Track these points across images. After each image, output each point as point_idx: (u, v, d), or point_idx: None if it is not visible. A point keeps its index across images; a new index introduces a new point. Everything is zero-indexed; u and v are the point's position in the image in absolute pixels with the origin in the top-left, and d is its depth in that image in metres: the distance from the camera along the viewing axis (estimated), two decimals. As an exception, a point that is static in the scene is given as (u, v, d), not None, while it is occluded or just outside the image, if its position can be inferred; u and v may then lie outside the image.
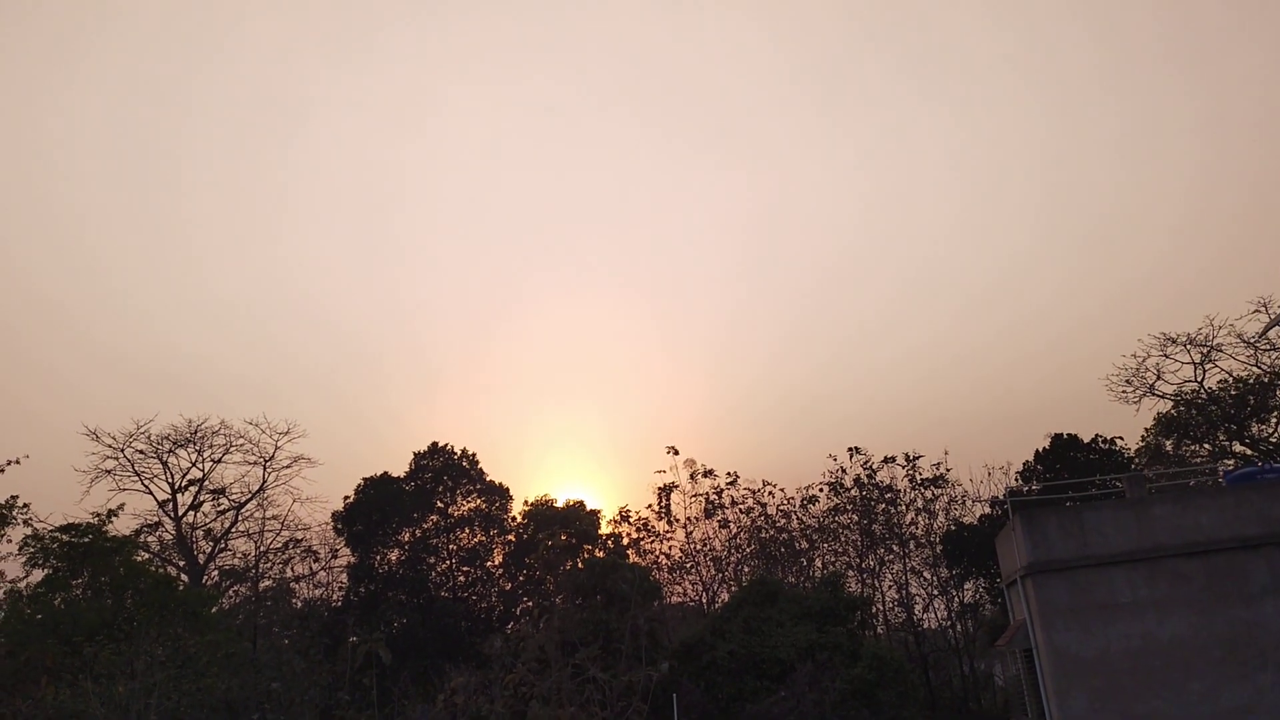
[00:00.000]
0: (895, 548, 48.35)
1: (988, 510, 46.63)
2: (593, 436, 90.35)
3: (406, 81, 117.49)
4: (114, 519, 35.96)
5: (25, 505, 31.97)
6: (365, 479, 48.92)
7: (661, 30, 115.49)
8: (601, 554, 44.52)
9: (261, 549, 48.93)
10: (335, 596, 50.19)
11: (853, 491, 49.65)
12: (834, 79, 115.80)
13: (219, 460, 48.57)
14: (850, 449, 50.10)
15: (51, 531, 33.75)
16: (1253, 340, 42.76)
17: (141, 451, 46.82)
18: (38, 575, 33.75)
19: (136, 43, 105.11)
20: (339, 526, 48.60)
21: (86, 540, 34.25)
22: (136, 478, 46.80)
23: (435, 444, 50.71)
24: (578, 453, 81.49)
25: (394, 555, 48.04)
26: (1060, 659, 21.74)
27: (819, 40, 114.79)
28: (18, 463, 31.50)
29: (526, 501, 46.83)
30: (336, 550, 50.32)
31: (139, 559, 44.00)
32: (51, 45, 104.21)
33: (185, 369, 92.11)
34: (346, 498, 48.83)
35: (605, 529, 48.43)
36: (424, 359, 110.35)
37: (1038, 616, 22.29)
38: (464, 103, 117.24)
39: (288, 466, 48.97)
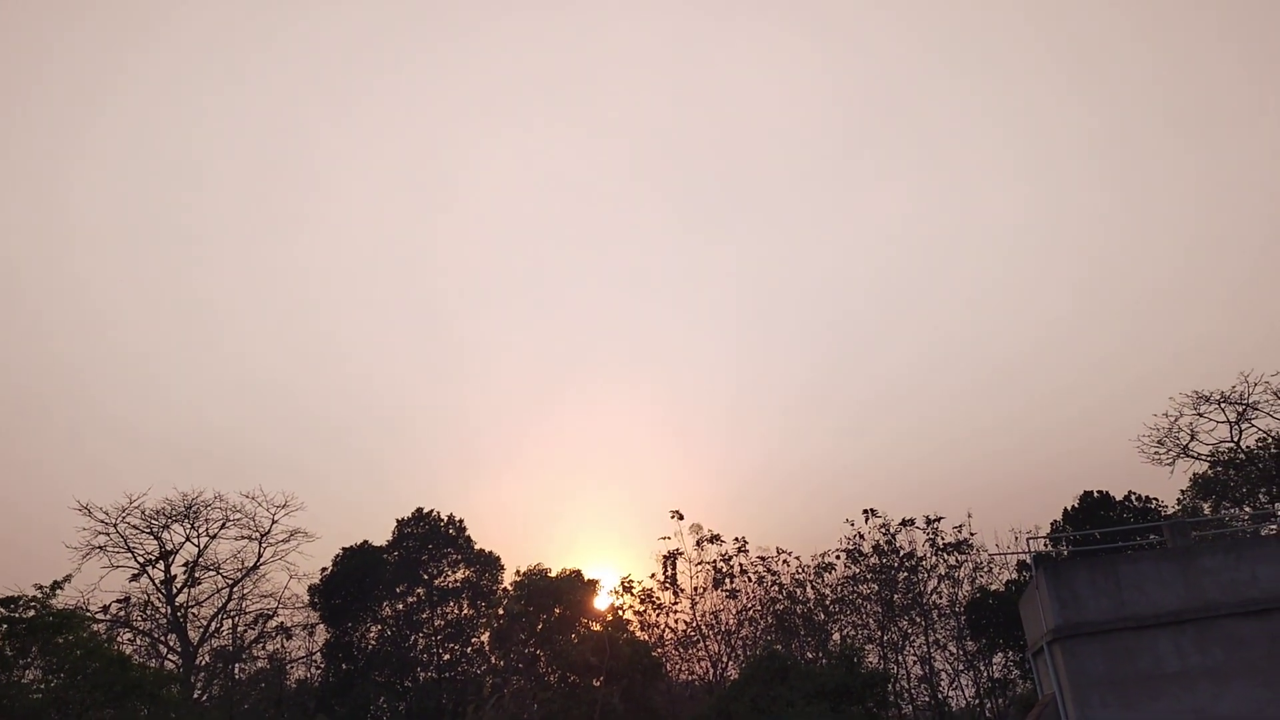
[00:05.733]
0: (918, 619, 44.88)
1: (1015, 576, 43.19)
2: (618, 520, 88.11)
3: (425, 151, 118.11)
4: (60, 591, 33.31)
5: (-42, 573, 29.51)
6: (344, 548, 46.14)
7: (671, 98, 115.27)
8: (599, 628, 41.54)
9: (239, 628, 46.28)
10: (315, 676, 47.04)
11: (872, 559, 46.35)
12: (882, 129, 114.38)
13: (214, 535, 46.78)
14: (866, 511, 46.93)
15: (-12, 604, 31.11)
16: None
17: (135, 527, 45.24)
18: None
19: (148, 116, 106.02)
20: (315, 601, 45.63)
21: (30, 615, 31.60)
22: (130, 554, 45.23)
23: (420, 510, 47.78)
24: (602, 535, 79.23)
25: (374, 631, 44.90)
26: (1098, 741, 18.41)
27: (859, 94, 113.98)
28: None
29: (518, 571, 43.76)
30: (313, 627, 47.28)
31: (116, 639, 41.85)
32: (69, 124, 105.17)
33: (218, 444, 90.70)
34: (324, 569, 45.96)
35: (609, 599, 45.25)
36: (463, 431, 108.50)
37: (1069, 690, 18.99)
38: (492, 171, 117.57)
39: (285, 540, 46.88)
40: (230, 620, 46.34)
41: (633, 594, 47.36)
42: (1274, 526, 39.57)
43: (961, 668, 44.00)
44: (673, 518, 48.10)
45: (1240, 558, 19.17)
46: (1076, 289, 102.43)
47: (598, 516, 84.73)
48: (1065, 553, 39.66)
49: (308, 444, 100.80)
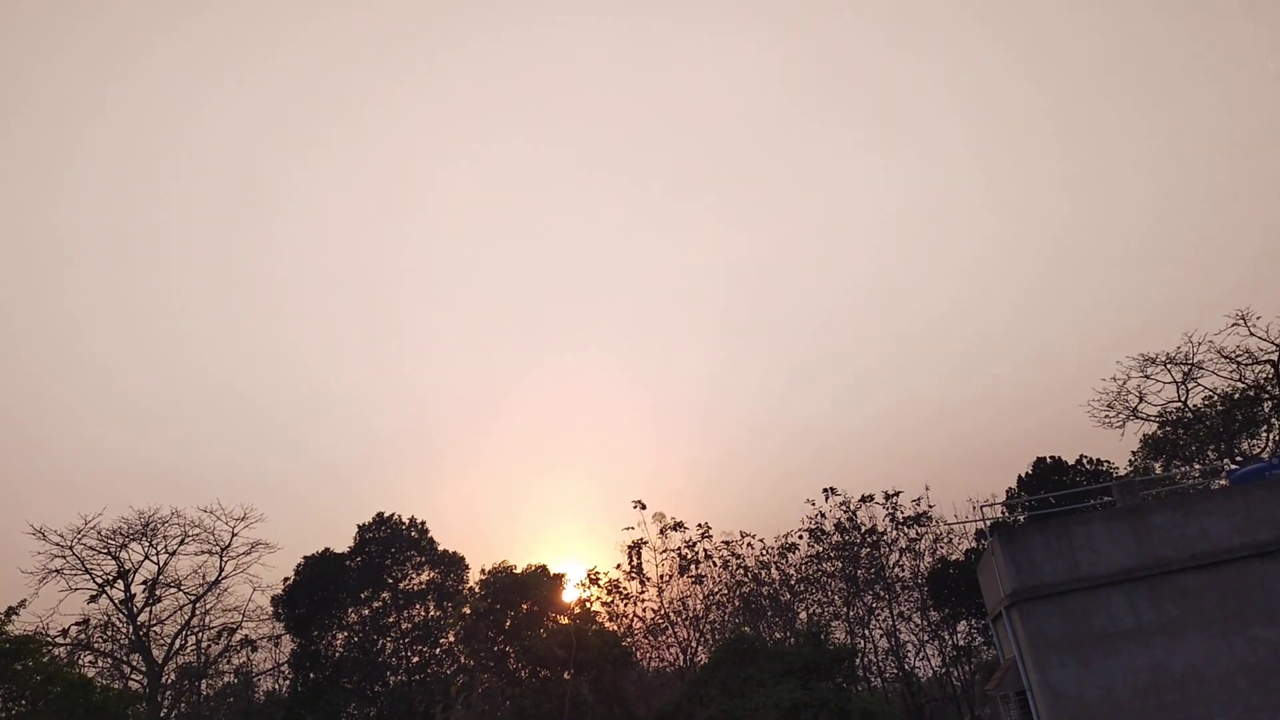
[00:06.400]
0: (882, 593, 45.40)
1: (974, 544, 43.81)
2: (587, 508, 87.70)
3: (392, 161, 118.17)
4: (16, 616, 32.74)
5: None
6: (306, 557, 45.64)
7: (641, 84, 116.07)
8: (567, 621, 41.48)
9: (203, 643, 45.75)
10: (283, 687, 46.62)
11: (834, 536, 46.78)
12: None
13: (174, 552, 46.00)
14: (826, 490, 47.35)
15: (-60, 634, 30.58)
16: (1234, 354, 41.00)
17: (92, 548, 44.32)
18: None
19: (122, 135, 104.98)
20: (279, 611, 45.16)
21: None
22: (87, 575, 44.28)
23: (381, 514, 47.39)
24: (572, 525, 78.80)
25: (341, 638, 44.56)
26: (1058, 701, 18.71)
27: (806, 75, 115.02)
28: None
29: (483, 570, 43.62)
30: (278, 638, 46.79)
31: (77, 662, 41.22)
32: (45, 143, 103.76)
33: (175, 455, 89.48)
34: (286, 579, 45.53)
35: (576, 592, 45.22)
36: (423, 432, 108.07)
37: (1028, 652, 19.31)
38: (450, 177, 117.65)
39: (246, 553, 46.32)
40: (194, 636, 45.79)
41: (599, 585, 47.44)
42: (1222, 482, 40.44)
43: (926, 638, 44.64)
44: (635, 507, 48.24)
45: (1189, 514, 19.55)
46: (1035, 269, 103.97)
47: (562, 507, 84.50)
48: (1021, 519, 40.27)
49: (266, 452, 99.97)
